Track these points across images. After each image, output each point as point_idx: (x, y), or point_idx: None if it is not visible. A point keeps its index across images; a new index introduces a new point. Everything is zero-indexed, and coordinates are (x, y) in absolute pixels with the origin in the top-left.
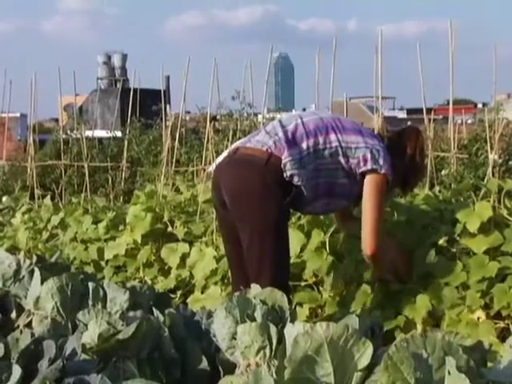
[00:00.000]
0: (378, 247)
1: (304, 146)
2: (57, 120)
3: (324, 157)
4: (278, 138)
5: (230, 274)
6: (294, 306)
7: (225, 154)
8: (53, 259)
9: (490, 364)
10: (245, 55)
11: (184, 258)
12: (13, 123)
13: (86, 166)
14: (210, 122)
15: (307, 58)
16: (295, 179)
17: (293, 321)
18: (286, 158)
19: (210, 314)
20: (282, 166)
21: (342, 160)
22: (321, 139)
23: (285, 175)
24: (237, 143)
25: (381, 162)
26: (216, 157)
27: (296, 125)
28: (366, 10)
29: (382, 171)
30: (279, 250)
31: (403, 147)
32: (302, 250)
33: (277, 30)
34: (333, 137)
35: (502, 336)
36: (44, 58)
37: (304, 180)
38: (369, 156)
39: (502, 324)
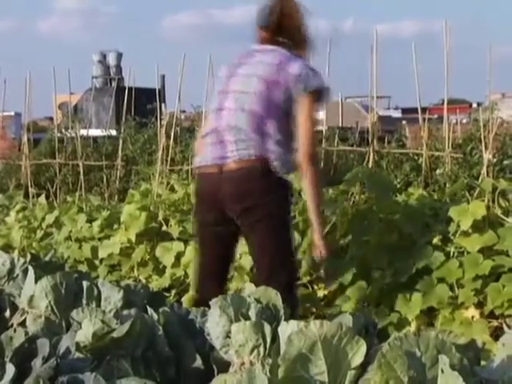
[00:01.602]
0: (316, 152)
1: (269, 129)
2: (51, 119)
3: (279, 119)
4: (248, 138)
5: (196, 281)
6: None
7: (205, 166)
8: (47, 258)
9: (483, 362)
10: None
11: (179, 256)
12: (7, 122)
13: (80, 164)
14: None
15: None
16: (285, 169)
17: (287, 319)
18: (272, 158)
19: (204, 313)
20: (273, 169)
21: (287, 104)
22: (263, 111)
23: (278, 175)
24: (205, 158)
25: (311, 75)
26: None
27: (250, 115)
28: (362, 10)
29: (317, 83)
30: (291, 248)
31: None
32: (296, 248)
33: None
34: (276, 95)
35: (496, 334)
36: (39, 57)
37: (286, 157)
38: (303, 74)
39: (495, 323)
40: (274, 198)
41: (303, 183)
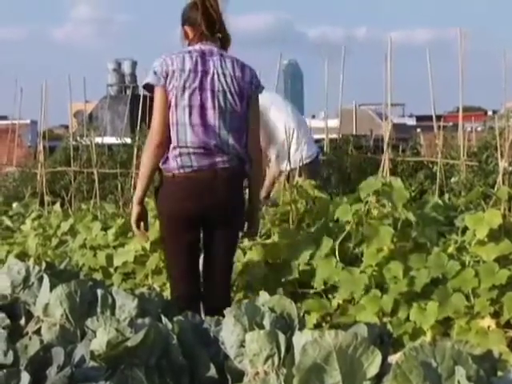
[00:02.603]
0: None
1: (244, 141)
2: (67, 127)
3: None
4: (236, 152)
5: (176, 282)
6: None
7: (191, 172)
8: (62, 266)
9: (500, 373)
10: (254, 62)
11: None
12: (23, 130)
13: (95, 172)
14: None
15: (317, 65)
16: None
17: (301, 329)
18: (246, 163)
19: (218, 322)
20: (246, 173)
21: (246, 109)
22: (242, 126)
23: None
24: (189, 165)
25: (257, 77)
26: None
27: (235, 133)
28: (376, 18)
29: (261, 84)
30: None
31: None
32: (311, 257)
33: (287, 36)
34: (244, 107)
35: None
36: (55, 66)
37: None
38: (254, 79)
39: None
40: (243, 203)
41: (255, 167)
